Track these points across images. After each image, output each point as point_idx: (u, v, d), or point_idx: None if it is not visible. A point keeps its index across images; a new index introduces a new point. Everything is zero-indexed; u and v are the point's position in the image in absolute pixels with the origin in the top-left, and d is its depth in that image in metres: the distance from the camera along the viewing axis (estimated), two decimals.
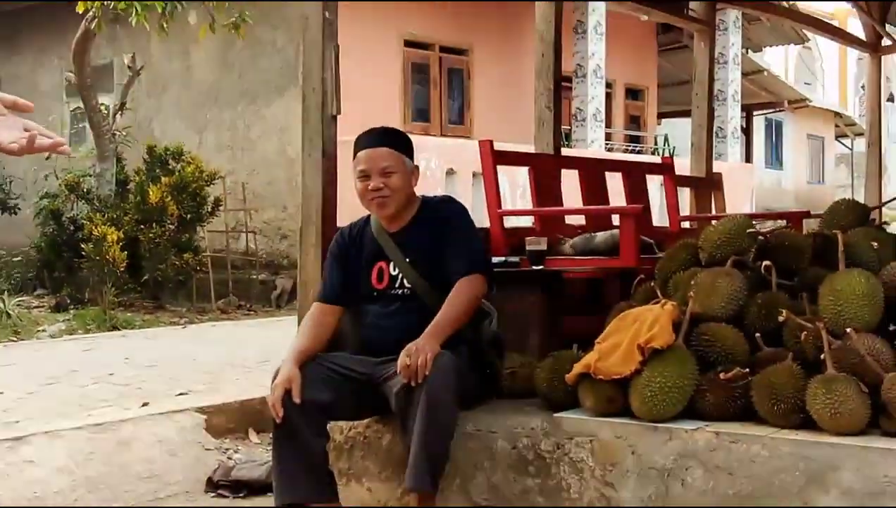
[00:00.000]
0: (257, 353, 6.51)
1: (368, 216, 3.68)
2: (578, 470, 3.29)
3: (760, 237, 3.66)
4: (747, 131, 21.10)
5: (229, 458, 4.65)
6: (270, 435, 5.12)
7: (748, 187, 14.62)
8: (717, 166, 7.00)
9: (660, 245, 5.52)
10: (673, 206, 5.98)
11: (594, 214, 5.08)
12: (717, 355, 3.33)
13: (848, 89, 34.17)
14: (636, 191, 5.69)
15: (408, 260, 3.54)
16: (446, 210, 3.58)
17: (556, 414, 3.41)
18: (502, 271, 4.01)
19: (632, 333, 3.34)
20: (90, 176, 10.87)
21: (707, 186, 6.58)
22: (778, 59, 27.76)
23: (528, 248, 4.08)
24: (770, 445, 2.98)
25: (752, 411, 3.18)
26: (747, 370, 3.23)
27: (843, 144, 28.66)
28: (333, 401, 3.44)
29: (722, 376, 3.21)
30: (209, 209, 9.76)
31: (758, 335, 3.38)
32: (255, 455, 4.71)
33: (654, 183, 6.33)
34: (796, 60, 31.79)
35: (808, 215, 5.77)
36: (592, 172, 5.42)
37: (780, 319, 3.29)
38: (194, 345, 6.97)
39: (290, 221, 11.09)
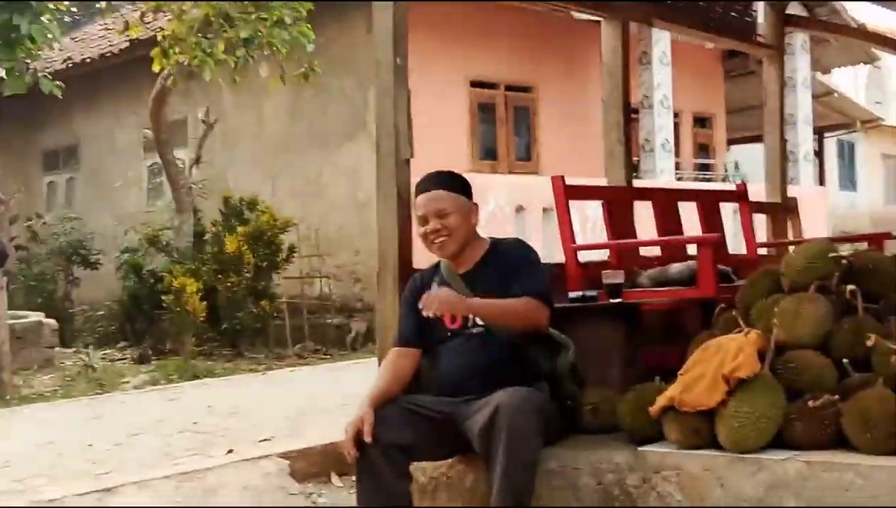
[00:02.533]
0: (337, 396, 6.54)
1: (439, 261, 3.71)
2: (666, 504, 3.24)
3: (844, 261, 3.59)
4: (820, 154, 20.73)
5: (313, 503, 4.68)
6: (353, 478, 5.19)
7: (823, 211, 14.34)
8: (790, 191, 6.90)
9: (737, 273, 5.44)
10: (749, 232, 5.89)
11: (670, 244, 5.03)
12: (804, 383, 3.26)
13: None
14: (711, 219, 5.62)
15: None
16: (515, 252, 3.60)
17: (640, 448, 3.37)
18: (580, 306, 3.98)
19: (716, 363, 3.29)
20: (169, 229, 11.11)
21: (783, 211, 6.48)
22: (847, 80, 27.27)
23: (605, 281, 4.06)
24: (864, 472, 2.91)
25: (844, 439, 3.11)
26: (837, 397, 3.16)
27: None
28: (414, 442, 3.45)
29: (811, 404, 3.15)
30: (284, 257, 9.90)
31: (845, 361, 3.31)
32: (338, 500, 4.73)
33: (729, 210, 6.23)
34: (866, 80, 31.19)
35: (889, 236, 5.64)
36: (666, 203, 5.37)
37: (869, 344, 3.22)
38: (274, 391, 7.05)
39: (363, 264, 11.19)
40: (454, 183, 3.63)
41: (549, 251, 11.14)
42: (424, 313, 3.26)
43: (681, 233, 5.41)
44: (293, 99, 11.81)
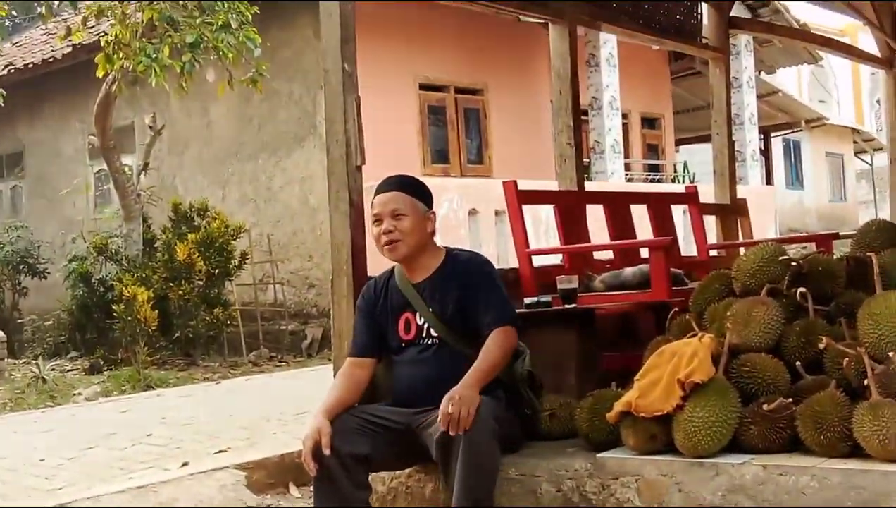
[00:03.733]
0: (293, 405, 6.50)
1: (393, 268, 3.70)
2: None
3: (794, 264, 3.64)
4: (766, 153, 21.04)
5: None
6: (311, 488, 5.15)
7: (771, 210, 14.54)
8: (739, 191, 6.97)
9: (689, 275, 5.51)
10: (700, 235, 5.96)
11: (623, 248, 5.07)
12: (758, 386, 3.31)
13: (863, 104, 34.06)
14: (662, 222, 5.68)
15: (432, 310, 3.55)
16: (472, 264, 3.60)
17: (599, 455, 3.39)
18: (535, 312, 4.00)
19: (671, 368, 3.33)
20: (117, 237, 10.96)
21: (732, 212, 6.56)
22: (791, 80, 27.74)
23: (559, 286, 4.08)
24: (819, 476, 2.95)
25: (799, 441, 3.16)
26: (790, 399, 3.20)
27: (863, 159, 28.50)
28: (372, 452, 3.44)
29: (765, 407, 3.19)
30: (236, 263, 9.82)
31: (798, 363, 3.36)
32: None
33: (679, 212, 6.29)
34: (809, 79, 31.76)
35: (837, 236, 5.74)
36: (617, 206, 5.42)
37: (821, 346, 3.27)
38: (230, 401, 6.99)
39: (317, 269, 11.14)
40: (412, 187, 3.63)
41: (504, 254, 11.22)
42: (451, 433, 3.16)
43: (633, 236, 5.45)
44: (241, 104, 11.72)
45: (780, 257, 3.60)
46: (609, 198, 5.51)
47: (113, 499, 4.36)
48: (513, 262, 11.10)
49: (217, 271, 9.44)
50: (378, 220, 3.57)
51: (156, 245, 10.55)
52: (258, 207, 11.68)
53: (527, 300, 4.03)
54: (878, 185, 28.05)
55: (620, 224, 5.38)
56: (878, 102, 34.12)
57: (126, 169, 10.67)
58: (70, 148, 14.48)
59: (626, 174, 14.18)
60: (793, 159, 24.93)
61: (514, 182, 4.85)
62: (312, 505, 4.64)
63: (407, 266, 3.63)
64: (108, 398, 7.86)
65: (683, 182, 15.25)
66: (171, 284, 9.21)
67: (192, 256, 9.14)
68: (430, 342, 3.57)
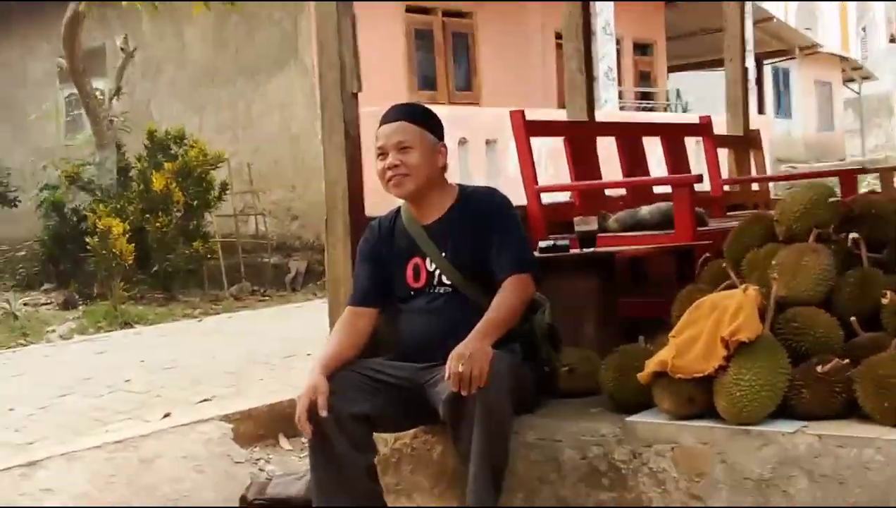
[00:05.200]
0: (280, 347, 6.16)
1: (399, 208, 3.33)
2: (660, 482, 2.94)
3: (844, 206, 3.28)
4: (759, 82, 20.63)
5: (261, 470, 4.32)
6: (303, 440, 4.82)
7: (767, 141, 14.17)
8: None
9: (705, 212, 5.17)
10: (714, 169, 5.59)
11: (644, 185, 4.70)
12: (808, 344, 2.97)
13: (849, 32, 33.55)
14: (676, 155, 5.31)
15: (444, 255, 3.19)
16: (488, 203, 3.21)
17: (628, 418, 3.06)
18: (551, 257, 3.63)
19: (711, 324, 2.97)
20: (90, 165, 10.48)
21: (745, 144, 6.19)
22: (778, 6, 27.20)
23: (577, 228, 3.71)
24: (885, 449, 2.62)
25: (855, 406, 2.83)
26: (847, 360, 2.87)
27: (851, 88, 28.15)
28: (374, 411, 3.11)
29: (819, 369, 2.85)
30: (216, 194, 9.38)
31: (853, 318, 3.02)
32: (288, 465, 4.39)
33: (690, 144, 5.89)
34: (796, 6, 31.19)
35: (862, 171, 5.39)
36: (631, 138, 5.03)
37: (885, 301, 2.92)
38: (212, 341, 6.63)
39: (300, 201, 10.73)
40: (421, 117, 3.24)
41: (494, 183, 10.80)
42: (463, 393, 2.83)
43: (646, 171, 5.08)
44: (218, 26, 11.17)
45: (830, 200, 3.23)
46: (621, 130, 5.12)
47: (89, 455, 4.01)
48: (506, 193, 10.75)
49: (196, 202, 9.00)
50: (382, 153, 3.19)
51: (130, 174, 10.09)
52: (236, 134, 11.20)
53: (542, 243, 3.66)
54: (865, 113, 27.77)
55: (633, 158, 5.00)
56: (863, 29, 33.66)
57: (98, 94, 10.14)
58: (38, 71, 13.86)
59: (619, 102, 13.75)
60: (781, 88, 24.53)
61: (522, 112, 4.45)
62: (305, 458, 4.35)
63: (415, 205, 3.25)
64: (83, 337, 7.49)
65: (676, 110, 14.85)
66: (147, 215, 8.77)
67: (170, 186, 8.69)
68: (441, 290, 3.22)
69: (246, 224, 10.83)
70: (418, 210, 3.25)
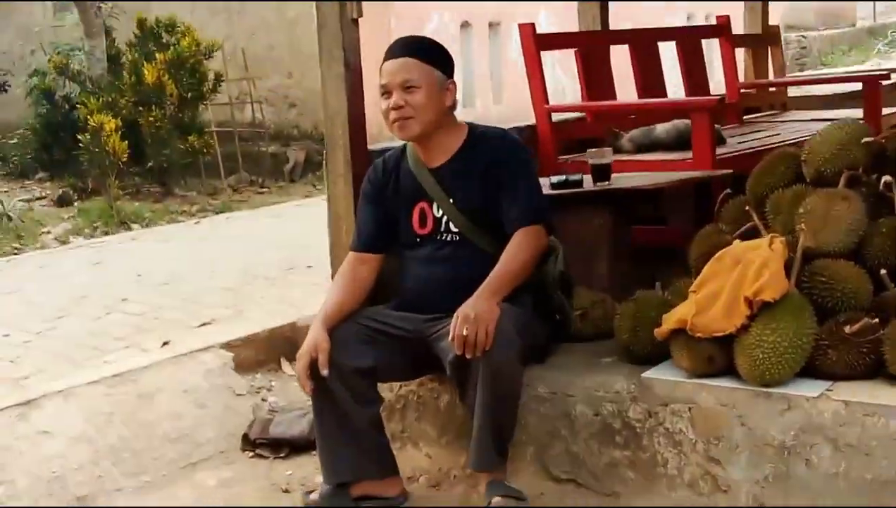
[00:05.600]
0: (279, 256, 6.01)
1: (405, 146, 3.13)
2: (676, 443, 2.84)
3: (878, 145, 3.07)
4: None
5: (263, 400, 4.23)
6: None
7: (779, 9, 13.72)
8: None
9: (719, 119, 4.94)
10: (731, 72, 5.33)
11: (661, 107, 4.46)
12: (836, 300, 2.82)
13: None
14: (693, 62, 5.04)
15: (452, 201, 3.01)
16: (500, 146, 3.01)
17: (644, 374, 2.94)
18: (564, 194, 3.44)
19: (734, 279, 2.82)
20: (79, 52, 10.10)
21: (763, 42, 5.89)
22: None
23: (590, 161, 3.51)
24: None
25: (883, 365, 2.70)
26: (876, 320, 2.72)
27: None
28: (377, 363, 3.02)
29: (847, 329, 2.71)
30: (211, 86, 9.06)
31: (883, 272, 2.86)
32: (290, 393, 4.29)
33: (707, 45, 5.58)
34: None
35: (887, 76, 5.12)
36: (645, 47, 4.75)
37: None
38: (210, 249, 6.46)
39: (297, 88, 10.41)
40: (427, 52, 3.01)
41: (497, 72, 10.49)
42: (468, 355, 2.71)
43: (662, 81, 4.82)
44: None
45: (864, 140, 3.02)
46: (635, 37, 4.84)
47: (87, 391, 3.91)
48: (508, 82, 10.43)
49: (190, 94, 8.70)
50: (386, 92, 2.97)
51: (122, 62, 9.72)
52: (231, 17, 10.77)
53: (553, 179, 3.47)
54: None
55: (649, 68, 4.75)
56: None
57: None
58: None
59: None
60: None
61: (532, 25, 4.17)
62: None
63: (422, 147, 3.06)
64: (78, 240, 7.33)
65: None
66: (140, 108, 8.49)
67: (162, 78, 8.38)
68: (448, 237, 3.05)
69: (242, 112, 10.53)
70: (425, 152, 3.06)
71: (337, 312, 3.02)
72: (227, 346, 4.42)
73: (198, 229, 7.26)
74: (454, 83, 3.03)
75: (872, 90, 4.95)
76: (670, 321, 2.88)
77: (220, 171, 9.84)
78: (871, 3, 26.71)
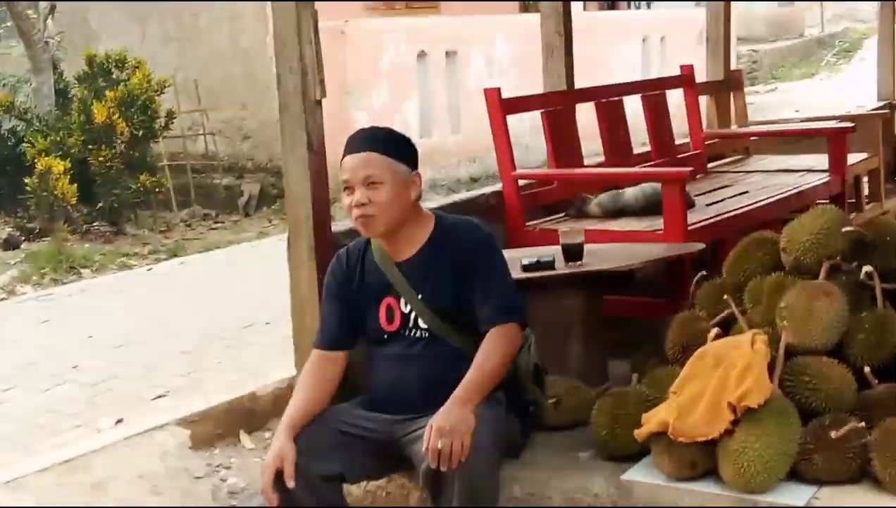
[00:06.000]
0: (237, 312, 5.84)
1: (370, 238, 2.99)
2: None
3: (858, 233, 2.99)
4: None
5: (222, 480, 4.06)
6: (266, 435, 4.57)
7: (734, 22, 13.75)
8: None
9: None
10: (696, 123, 5.26)
11: (623, 149, 4.37)
12: (820, 400, 2.73)
13: None
14: (657, 115, 4.96)
15: (421, 296, 2.88)
16: (470, 240, 2.88)
17: (624, 476, 2.83)
18: (536, 278, 3.32)
19: (716, 382, 2.72)
20: (25, 84, 9.83)
21: (726, 88, 5.84)
22: None
23: (563, 241, 3.40)
24: None
25: (869, 468, 2.62)
26: (862, 423, 2.64)
27: None
28: (346, 469, 2.90)
29: (833, 434, 2.62)
30: (163, 123, 8.84)
31: (867, 369, 2.78)
32: (251, 470, 4.13)
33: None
34: None
35: (852, 130, 5.07)
36: (609, 101, 4.66)
37: None
38: (164, 303, 6.26)
39: (251, 119, 10.22)
40: (390, 144, 2.87)
41: (455, 101, 10.37)
42: (443, 468, 2.57)
43: (627, 137, 4.74)
44: None
45: (844, 229, 2.94)
46: (600, 93, 4.75)
47: (36, 481, 3.72)
48: (466, 112, 10.31)
49: (141, 132, 8.48)
50: (349, 188, 2.84)
51: (70, 96, 9.47)
52: (183, 47, 10.55)
53: (524, 261, 3.35)
54: None
55: (614, 123, 4.65)
56: None
57: (30, 13, 9.41)
58: None
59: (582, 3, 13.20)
60: None
61: (498, 90, 4.07)
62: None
63: (387, 241, 2.92)
64: (25, 290, 7.07)
65: (639, 7, 14.31)
66: (89, 147, 8.25)
67: (112, 117, 8.15)
68: (417, 334, 2.92)
69: (195, 143, 10.32)
70: (391, 246, 2.93)
71: (302, 416, 2.89)
72: (184, 422, 4.25)
73: (151, 278, 7.05)
74: (419, 175, 2.90)
75: (838, 142, 4.90)
76: (651, 423, 2.78)
77: (173, 204, 9.64)
78: (820, 11, 27.01)
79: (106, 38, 10.74)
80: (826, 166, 5.07)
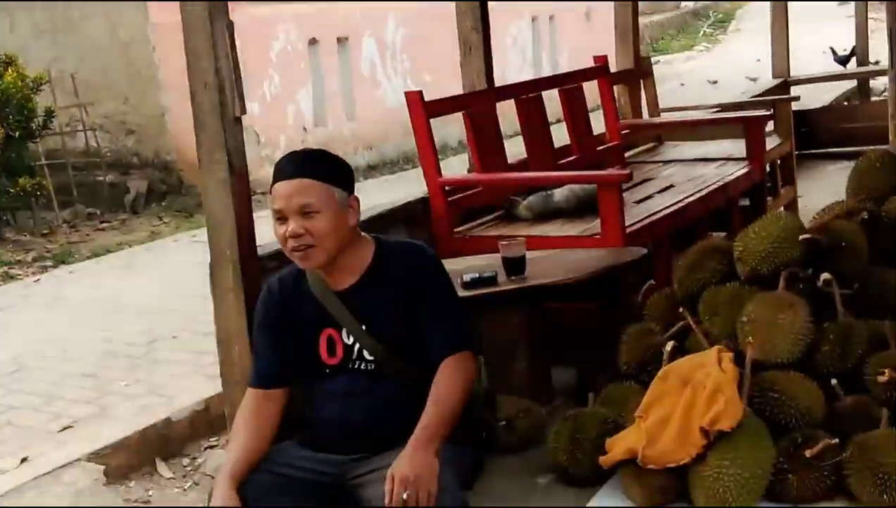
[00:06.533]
0: (139, 326, 5.50)
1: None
2: None
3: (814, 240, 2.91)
4: None
5: None
6: (184, 462, 4.30)
7: None
8: None
9: (600, 164, 4.78)
10: (612, 114, 5.16)
11: (545, 152, 4.22)
12: (790, 415, 2.64)
13: None
14: (575, 108, 4.83)
15: (365, 327, 2.67)
16: (414, 265, 2.69)
17: (591, 504, 2.69)
18: (478, 295, 3.15)
19: (684, 403, 2.61)
20: None
21: (637, 76, 5.75)
22: None
23: (503, 255, 3.24)
24: None
25: (842, 485, 2.55)
26: (836, 440, 2.56)
27: None
28: None
29: (808, 453, 2.54)
30: (41, 122, 8.31)
31: (834, 381, 2.71)
32: (169, 500, 3.88)
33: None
34: None
35: (770, 117, 5.05)
36: (531, 99, 4.51)
37: (882, 379, 2.61)
38: (58, 319, 5.84)
39: (135, 113, 9.71)
40: (326, 169, 2.64)
41: (347, 90, 10.10)
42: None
43: (548, 132, 4.60)
44: None
45: (801, 237, 2.86)
46: (520, 90, 4.59)
47: None
48: (360, 98, 10.06)
49: (18, 133, 7.94)
50: (281, 218, 2.60)
51: None
52: (56, 39, 9.96)
53: (465, 277, 3.18)
54: None
55: (533, 120, 4.51)
56: None
57: None
58: None
59: None
60: None
61: (420, 93, 3.86)
62: (186, 487, 3.90)
63: (325, 270, 2.70)
64: None
65: None
66: None
67: None
68: (363, 366, 2.71)
69: (74, 139, 9.77)
70: (329, 275, 2.71)
71: (245, 464, 2.66)
72: (96, 456, 3.96)
73: (39, 291, 6.60)
74: (356, 199, 2.68)
75: (756, 130, 4.86)
76: (617, 450, 2.65)
77: (54, 205, 9.10)
78: None
79: None
80: (740, 152, 5.05)
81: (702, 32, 22.01)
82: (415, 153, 10.74)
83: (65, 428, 4.24)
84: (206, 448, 4.25)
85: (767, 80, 7.88)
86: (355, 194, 2.68)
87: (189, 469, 4.17)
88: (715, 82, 13.30)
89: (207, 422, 4.36)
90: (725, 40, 20.68)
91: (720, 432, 2.52)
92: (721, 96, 8.57)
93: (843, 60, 10.98)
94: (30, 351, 5.23)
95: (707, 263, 3.01)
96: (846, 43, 11.26)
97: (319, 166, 2.62)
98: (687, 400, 2.59)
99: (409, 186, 7.14)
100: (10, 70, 7.96)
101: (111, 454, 4.02)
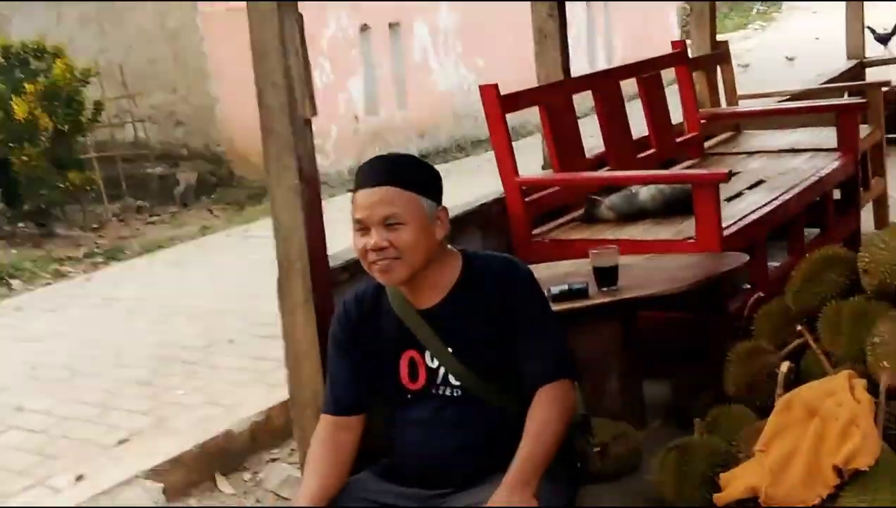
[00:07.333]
0: (193, 327, 5.31)
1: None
2: None
3: None
4: None
5: None
6: (244, 477, 4.10)
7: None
8: None
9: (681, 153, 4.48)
10: (691, 103, 4.85)
11: (627, 146, 3.94)
12: None
13: None
14: (654, 97, 4.54)
15: (451, 350, 2.42)
16: (507, 282, 2.42)
17: None
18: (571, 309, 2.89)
19: (812, 438, 2.32)
20: None
21: (714, 62, 5.44)
22: None
23: (594, 264, 2.97)
24: None
25: None
26: None
27: None
28: None
29: None
30: (90, 116, 8.16)
31: None
32: None
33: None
34: None
35: (864, 106, 4.72)
36: (609, 90, 4.22)
37: None
38: (110, 320, 5.67)
39: (183, 104, 9.56)
40: (412, 176, 2.39)
41: (401, 76, 9.85)
42: None
43: (626, 124, 4.31)
44: None
45: None
46: (597, 81, 4.30)
47: None
48: (413, 85, 9.80)
49: (67, 126, 7.79)
50: (363, 229, 2.35)
51: None
52: (104, 29, 9.82)
53: (553, 289, 2.91)
54: None
55: (613, 114, 4.22)
56: None
57: None
58: None
59: None
60: None
61: (496, 87, 3.59)
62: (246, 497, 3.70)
63: (407, 287, 2.45)
64: None
65: None
66: (10, 146, 7.56)
67: (34, 112, 7.46)
68: (448, 392, 2.46)
69: (123, 131, 9.63)
70: (412, 292, 2.45)
71: (320, 494, 2.43)
72: (155, 473, 3.76)
73: (90, 289, 6.44)
74: (445, 210, 2.42)
75: (849, 120, 4.53)
76: (736, 487, 2.38)
77: (104, 199, 8.96)
78: None
79: (18, 20, 9.97)
80: (827, 141, 4.74)
81: (755, 10, 21.47)
82: (466, 140, 10.61)
83: (121, 442, 4.05)
84: (267, 462, 4.05)
85: (837, 61, 7.50)
86: (444, 205, 2.43)
87: (251, 484, 3.97)
88: (792, 59, 12.95)
89: (269, 434, 4.17)
90: (780, 17, 20.14)
91: (856, 470, 2.24)
92: (793, 77, 8.19)
93: (884, 39, 10.69)
94: (83, 356, 5.06)
95: (827, 274, 2.72)
96: (886, 22, 11.01)
97: (406, 174, 2.37)
98: (815, 434, 2.31)
99: (468, 179, 6.90)
100: (58, 62, 7.79)
101: (169, 469, 3.83)
